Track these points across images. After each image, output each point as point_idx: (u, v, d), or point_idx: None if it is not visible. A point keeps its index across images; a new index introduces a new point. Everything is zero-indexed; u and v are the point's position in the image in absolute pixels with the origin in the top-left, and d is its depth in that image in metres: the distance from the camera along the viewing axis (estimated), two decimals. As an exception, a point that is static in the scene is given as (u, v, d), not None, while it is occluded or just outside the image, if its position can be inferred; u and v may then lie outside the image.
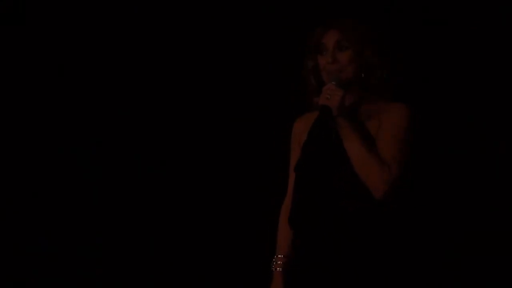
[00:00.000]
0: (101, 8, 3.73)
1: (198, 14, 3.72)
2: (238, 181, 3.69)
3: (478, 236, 3.39)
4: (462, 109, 3.44)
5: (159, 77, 3.76)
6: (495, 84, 3.41)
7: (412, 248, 2.63)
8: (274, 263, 2.68)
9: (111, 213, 3.75)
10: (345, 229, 2.50)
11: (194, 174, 3.74)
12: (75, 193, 3.76)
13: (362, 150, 2.46)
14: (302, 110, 2.77)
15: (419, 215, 3.37)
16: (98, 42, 3.75)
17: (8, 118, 3.75)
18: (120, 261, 3.74)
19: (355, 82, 2.57)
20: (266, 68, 3.64)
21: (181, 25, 3.74)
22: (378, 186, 2.45)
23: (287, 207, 2.69)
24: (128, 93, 3.76)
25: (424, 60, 3.45)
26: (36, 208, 3.74)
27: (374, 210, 2.49)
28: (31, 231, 3.74)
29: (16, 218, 3.73)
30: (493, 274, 3.37)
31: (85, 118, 3.76)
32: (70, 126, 3.76)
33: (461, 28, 3.43)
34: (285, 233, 2.70)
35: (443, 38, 3.45)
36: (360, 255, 2.49)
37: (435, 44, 3.45)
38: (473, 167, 3.41)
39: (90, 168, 3.76)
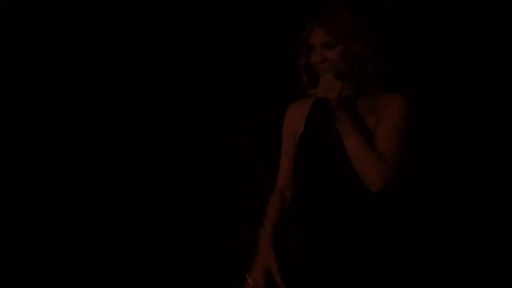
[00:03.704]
0: (100, 8, 3.73)
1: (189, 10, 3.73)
2: (231, 178, 3.70)
3: (476, 232, 3.39)
4: (462, 102, 3.44)
5: (150, 74, 3.77)
6: (496, 76, 3.41)
7: (412, 240, 2.64)
8: (265, 231, 2.66)
9: (109, 213, 3.76)
10: (349, 223, 2.50)
11: (194, 172, 3.75)
12: (74, 193, 3.76)
13: (360, 144, 2.46)
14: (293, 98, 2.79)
15: (420, 208, 3.37)
16: (97, 42, 3.75)
17: (7, 118, 3.75)
18: (119, 261, 3.74)
19: (350, 75, 2.56)
20: (255, 63, 3.65)
21: (173, 21, 3.75)
22: (374, 180, 2.45)
23: (282, 185, 2.68)
24: (125, 92, 3.77)
25: (424, 51, 3.45)
26: (36, 208, 3.74)
27: (376, 204, 2.50)
28: (30, 231, 3.74)
29: (15, 218, 3.74)
30: (489, 270, 3.37)
31: (83, 118, 3.77)
32: (69, 126, 3.77)
33: (460, 18, 3.43)
34: (276, 204, 2.68)
35: (443, 29, 3.45)
36: (362, 253, 2.49)
37: (435, 34, 3.45)
38: (472, 160, 3.42)
39: (88, 168, 3.76)
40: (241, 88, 3.69)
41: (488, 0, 3.40)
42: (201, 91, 3.74)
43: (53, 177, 3.75)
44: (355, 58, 2.55)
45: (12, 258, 3.72)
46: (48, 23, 3.73)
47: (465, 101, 3.43)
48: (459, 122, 3.43)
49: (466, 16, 3.41)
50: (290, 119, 2.75)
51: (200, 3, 3.70)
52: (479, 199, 3.40)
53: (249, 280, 2.63)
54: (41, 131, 3.75)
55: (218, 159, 3.74)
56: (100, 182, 3.76)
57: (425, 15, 3.46)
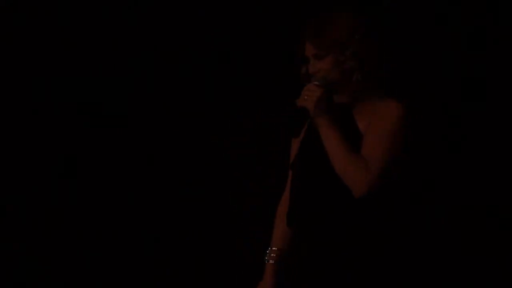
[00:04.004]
0: (100, 8, 3.73)
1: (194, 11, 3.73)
2: (231, 178, 3.70)
3: (475, 233, 3.39)
4: (462, 102, 3.44)
5: (150, 74, 3.77)
6: (496, 77, 3.41)
7: (411, 240, 2.63)
8: (267, 255, 2.70)
9: (109, 213, 3.76)
10: (343, 226, 2.50)
11: (194, 172, 3.75)
12: (74, 193, 3.76)
13: (340, 151, 2.46)
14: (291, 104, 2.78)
15: (418, 208, 3.37)
16: (97, 42, 3.75)
17: (7, 118, 3.75)
18: (119, 261, 3.74)
19: (344, 83, 2.56)
20: (255, 63, 3.65)
21: (173, 21, 3.74)
22: (356, 186, 2.45)
23: (284, 201, 2.69)
24: (125, 92, 3.77)
25: (424, 51, 3.45)
26: (36, 208, 3.74)
27: (370, 208, 2.49)
28: (30, 231, 3.74)
29: (15, 218, 3.74)
30: (489, 271, 3.37)
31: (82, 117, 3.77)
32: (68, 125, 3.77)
33: (460, 18, 3.43)
34: (280, 227, 2.71)
35: (443, 29, 3.45)
36: (358, 253, 2.49)
37: (436, 34, 3.45)
38: (471, 161, 3.42)
39: (88, 168, 3.76)
40: (241, 88, 3.69)
41: (488, 0, 3.40)
42: (201, 91, 3.74)
43: (53, 177, 3.75)
44: (345, 67, 2.55)
45: (12, 258, 3.72)
46: (48, 23, 3.73)
47: (465, 101, 3.43)
48: (458, 122, 3.43)
49: (466, 16, 3.41)
50: None
51: (200, 3, 3.70)
52: (477, 200, 3.40)
53: None
54: (41, 131, 3.75)
55: (218, 159, 3.74)
56: (100, 182, 3.75)
57: (425, 15, 3.45)
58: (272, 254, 2.70)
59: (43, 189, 3.74)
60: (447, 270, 3.39)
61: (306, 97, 2.50)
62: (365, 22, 2.58)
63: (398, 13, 3.45)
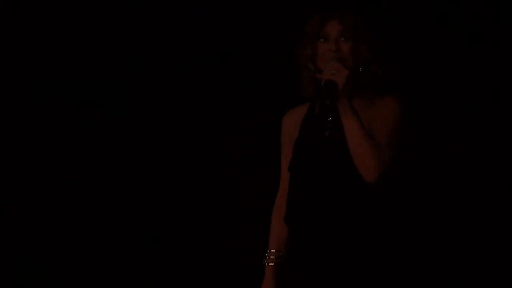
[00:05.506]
0: (100, 8, 3.73)
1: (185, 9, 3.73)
2: (231, 178, 3.70)
3: (475, 232, 3.39)
4: (462, 102, 3.44)
5: (150, 74, 3.77)
6: (496, 77, 3.41)
7: (411, 240, 2.64)
8: (267, 258, 2.70)
9: (109, 213, 3.76)
10: (342, 226, 2.50)
11: (189, 172, 3.75)
12: (74, 193, 3.76)
13: (361, 131, 2.45)
14: (292, 104, 2.79)
15: (418, 207, 3.37)
16: (97, 42, 3.75)
17: (8, 118, 3.75)
18: (120, 261, 3.74)
19: (352, 73, 2.56)
20: (255, 63, 3.65)
21: (173, 21, 3.75)
22: (371, 168, 2.44)
23: (280, 203, 2.69)
24: (125, 92, 3.77)
25: (424, 51, 3.45)
26: (36, 208, 3.74)
27: (369, 207, 2.50)
28: (30, 231, 3.74)
29: (15, 218, 3.74)
30: (489, 270, 3.38)
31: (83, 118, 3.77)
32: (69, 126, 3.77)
33: (460, 18, 3.43)
34: (278, 229, 2.71)
35: (443, 29, 3.45)
36: (357, 253, 2.49)
37: (435, 34, 3.45)
38: (472, 159, 3.42)
39: (88, 168, 3.76)
40: (241, 88, 3.69)
41: (488, 0, 3.40)
42: (201, 91, 3.74)
43: (53, 177, 3.75)
44: (360, 57, 2.56)
45: (12, 258, 3.72)
46: (48, 23, 3.73)
47: (465, 101, 3.43)
48: (458, 121, 3.43)
49: (466, 16, 3.41)
50: (286, 127, 2.75)
51: (200, 3, 3.70)
52: (478, 198, 3.40)
53: None
54: (41, 131, 3.75)
55: (218, 159, 3.74)
56: (100, 182, 3.75)
57: (425, 15, 3.46)
58: (272, 257, 2.70)
59: (43, 189, 3.74)
60: (447, 270, 3.39)
61: (334, 72, 2.46)
62: (365, 22, 2.59)
63: (398, 13, 3.45)
